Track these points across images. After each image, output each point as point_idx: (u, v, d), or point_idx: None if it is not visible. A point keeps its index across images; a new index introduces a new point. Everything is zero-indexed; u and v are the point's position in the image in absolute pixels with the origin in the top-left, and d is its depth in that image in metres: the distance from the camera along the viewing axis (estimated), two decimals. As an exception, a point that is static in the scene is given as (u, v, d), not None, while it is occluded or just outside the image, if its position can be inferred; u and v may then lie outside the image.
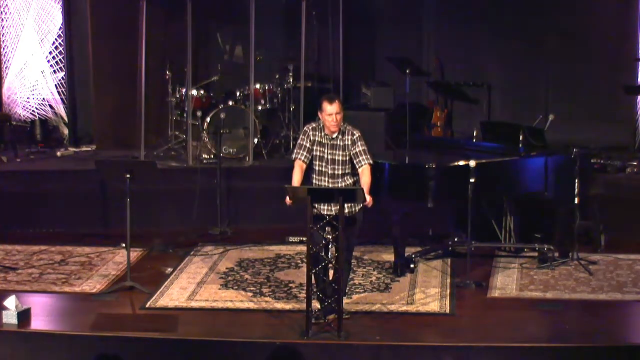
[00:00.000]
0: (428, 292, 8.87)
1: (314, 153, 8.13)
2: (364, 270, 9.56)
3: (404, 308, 8.48)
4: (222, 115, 11.48)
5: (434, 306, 8.52)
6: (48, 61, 13.19)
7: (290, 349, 7.37)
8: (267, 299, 8.73)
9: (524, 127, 9.81)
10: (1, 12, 13.21)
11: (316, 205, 7.86)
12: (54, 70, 13.20)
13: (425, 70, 12.70)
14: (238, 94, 12.20)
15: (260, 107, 12.23)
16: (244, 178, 11.54)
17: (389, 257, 9.74)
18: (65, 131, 13.24)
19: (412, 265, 9.47)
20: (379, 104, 12.52)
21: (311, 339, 7.67)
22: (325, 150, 8.09)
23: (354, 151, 8.06)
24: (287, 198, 7.90)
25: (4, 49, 13.24)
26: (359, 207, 8.04)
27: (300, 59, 12.22)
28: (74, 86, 13.29)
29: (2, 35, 13.22)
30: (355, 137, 8.09)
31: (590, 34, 12.82)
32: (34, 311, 8.19)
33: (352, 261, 8.71)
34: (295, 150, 8.22)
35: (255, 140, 11.92)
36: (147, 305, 8.58)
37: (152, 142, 12.30)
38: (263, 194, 11.06)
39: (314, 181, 8.18)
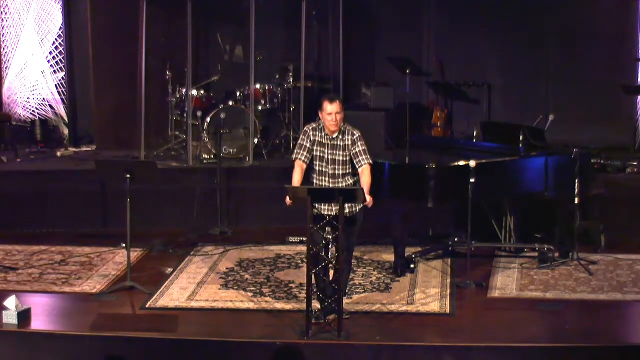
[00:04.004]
0: (428, 292, 8.87)
1: (314, 153, 8.13)
2: (364, 270, 9.56)
3: (404, 308, 8.48)
4: (222, 115, 11.48)
5: (434, 306, 8.52)
6: (48, 61, 13.20)
7: (290, 349, 7.38)
8: (267, 299, 8.73)
9: (524, 127, 9.81)
10: (1, 12, 13.21)
11: (316, 205, 7.86)
12: (54, 70, 13.21)
13: (425, 70, 12.70)
14: (238, 94, 12.20)
15: (260, 107, 12.24)
16: (244, 178, 11.54)
17: (389, 257, 9.75)
18: (65, 131, 13.25)
19: (412, 265, 9.47)
20: (379, 104, 12.52)
21: (311, 339, 7.66)
22: (326, 150, 8.10)
23: (353, 151, 8.06)
24: (287, 198, 7.90)
25: (4, 49, 13.25)
26: (359, 207, 8.05)
27: (300, 59, 12.22)
28: (74, 86, 13.31)
29: (2, 35, 13.23)
30: (355, 137, 8.09)
31: (590, 33, 12.83)
32: (34, 311, 8.19)
33: (352, 261, 8.71)
34: (295, 150, 8.22)
35: (255, 140, 11.92)
36: (147, 305, 8.58)
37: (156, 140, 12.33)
38: (263, 194, 11.06)
39: (314, 181, 8.18)
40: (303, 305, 7.97)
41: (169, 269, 9.63)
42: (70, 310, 8.65)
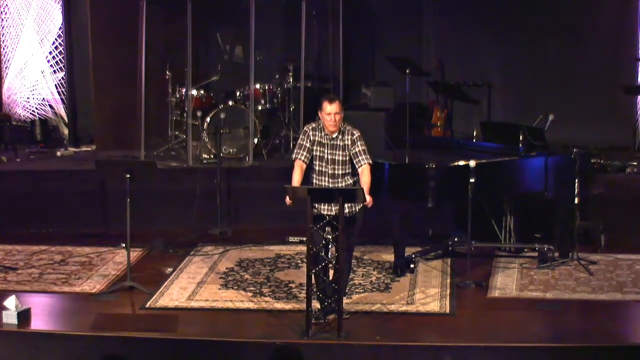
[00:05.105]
0: (428, 292, 8.87)
1: (314, 153, 8.13)
2: (364, 270, 9.56)
3: (404, 308, 8.48)
4: (222, 115, 11.48)
5: (434, 306, 8.52)
6: (48, 61, 13.20)
7: (290, 349, 7.38)
8: (267, 299, 8.73)
9: (524, 127, 9.81)
10: (1, 12, 13.21)
11: (316, 205, 7.86)
12: (54, 70, 13.21)
13: (425, 70, 12.70)
14: (238, 94, 12.20)
15: (260, 107, 12.24)
16: (244, 178, 11.54)
17: (389, 257, 9.74)
18: (65, 131, 13.25)
19: (412, 265, 9.47)
20: (379, 104, 12.51)
21: (311, 339, 7.66)
22: (326, 150, 8.10)
23: (353, 151, 8.06)
24: (287, 198, 7.91)
25: (4, 49, 13.25)
26: (359, 207, 8.04)
27: (300, 59, 12.22)
28: (74, 86, 13.31)
29: (2, 35, 13.23)
30: (355, 137, 8.09)
31: (590, 33, 12.82)
32: (34, 311, 8.19)
33: (352, 261, 8.71)
34: (295, 150, 8.22)
35: (255, 140, 11.92)
36: (147, 305, 8.58)
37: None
38: (263, 194, 11.06)
39: (314, 181, 8.18)
40: (303, 305, 7.97)
41: (169, 269, 9.63)
42: (70, 310, 8.65)
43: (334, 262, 7.91)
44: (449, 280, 9.21)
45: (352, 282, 8.99)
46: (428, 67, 12.86)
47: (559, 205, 9.81)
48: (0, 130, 12.90)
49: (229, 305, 8.61)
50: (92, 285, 9.17)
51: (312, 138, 8.14)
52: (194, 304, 8.64)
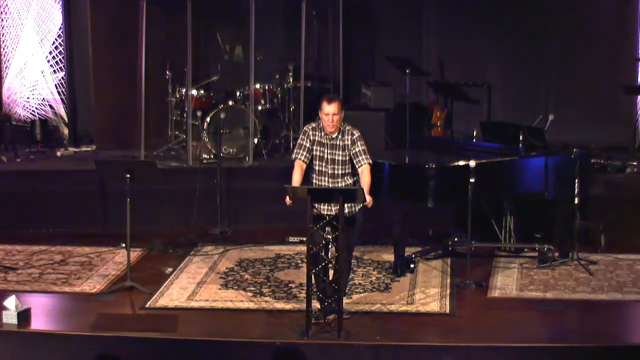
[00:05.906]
0: (428, 292, 8.87)
1: (314, 153, 8.13)
2: (364, 270, 9.55)
3: (404, 308, 8.48)
4: (222, 115, 11.48)
5: (434, 306, 8.52)
6: (48, 61, 13.20)
7: (290, 349, 7.38)
8: (267, 299, 8.73)
9: (524, 127, 9.81)
10: (1, 12, 13.21)
11: (316, 205, 7.86)
12: (54, 70, 13.21)
13: (425, 70, 12.70)
14: (238, 94, 12.21)
15: (260, 107, 12.24)
16: (244, 178, 11.54)
17: (389, 257, 9.74)
18: (65, 131, 13.25)
19: (412, 265, 9.47)
20: (379, 104, 12.52)
21: (311, 339, 7.66)
22: (325, 150, 8.09)
23: (353, 151, 8.06)
24: (287, 198, 7.90)
25: (4, 49, 13.24)
26: (359, 207, 8.04)
27: (300, 59, 12.22)
28: (74, 86, 13.30)
29: (2, 35, 13.23)
30: (355, 137, 8.09)
31: (590, 33, 12.82)
32: (34, 311, 8.18)
33: (352, 261, 8.71)
34: (295, 150, 8.22)
35: (255, 140, 11.92)
36: (147, 305, 8.58)
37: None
38: (263, 194, 11.06)
39: (314, 181, 8.18)
40: (303, 305, 7.97)
41: (169, 269, 9.63)
42: (70, 310, 8.65)
43: (334, 262, 7.90)
44: (449, 280, 9.21)
45: (352, 282, 8.99)
46: (428, 67, 12.87)
47: (559, 205, 9.81)
48: (0, 130, 12.89)
49: (229, 305, 8.61)
50: (92, 285, 9.17)
51: (312, 138, 8.13)
52: (194, 304, 8.64)
